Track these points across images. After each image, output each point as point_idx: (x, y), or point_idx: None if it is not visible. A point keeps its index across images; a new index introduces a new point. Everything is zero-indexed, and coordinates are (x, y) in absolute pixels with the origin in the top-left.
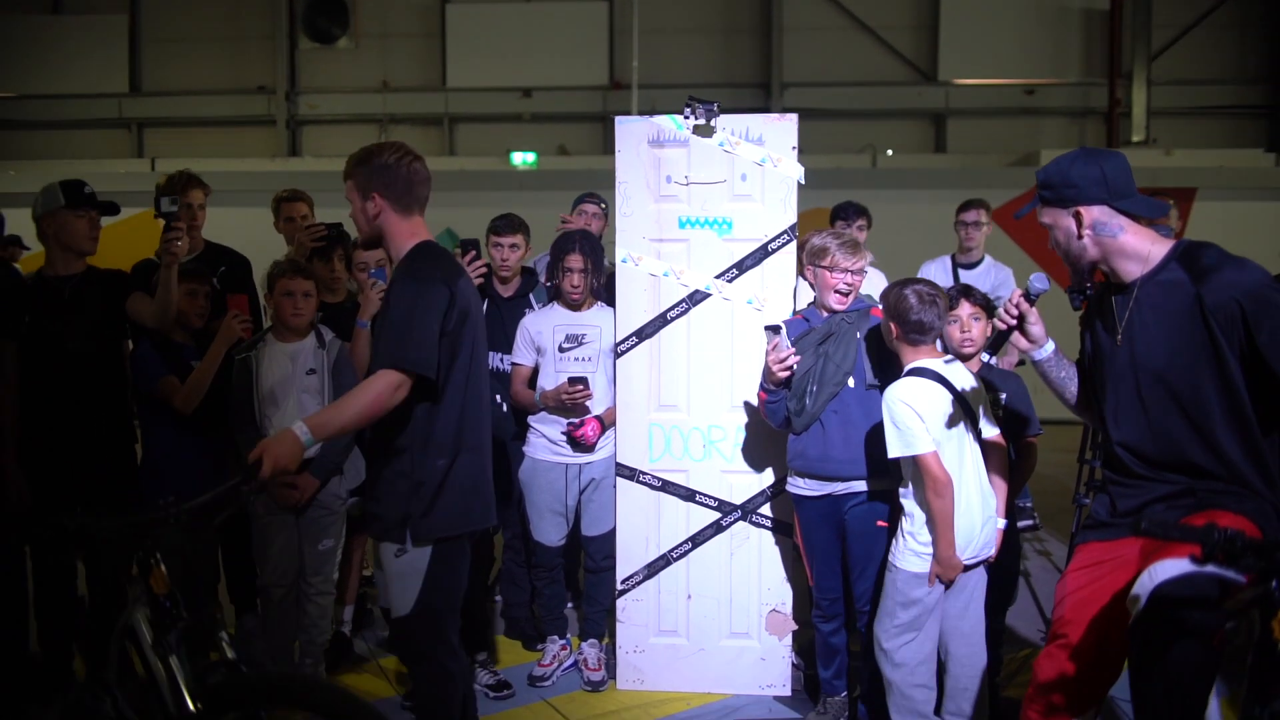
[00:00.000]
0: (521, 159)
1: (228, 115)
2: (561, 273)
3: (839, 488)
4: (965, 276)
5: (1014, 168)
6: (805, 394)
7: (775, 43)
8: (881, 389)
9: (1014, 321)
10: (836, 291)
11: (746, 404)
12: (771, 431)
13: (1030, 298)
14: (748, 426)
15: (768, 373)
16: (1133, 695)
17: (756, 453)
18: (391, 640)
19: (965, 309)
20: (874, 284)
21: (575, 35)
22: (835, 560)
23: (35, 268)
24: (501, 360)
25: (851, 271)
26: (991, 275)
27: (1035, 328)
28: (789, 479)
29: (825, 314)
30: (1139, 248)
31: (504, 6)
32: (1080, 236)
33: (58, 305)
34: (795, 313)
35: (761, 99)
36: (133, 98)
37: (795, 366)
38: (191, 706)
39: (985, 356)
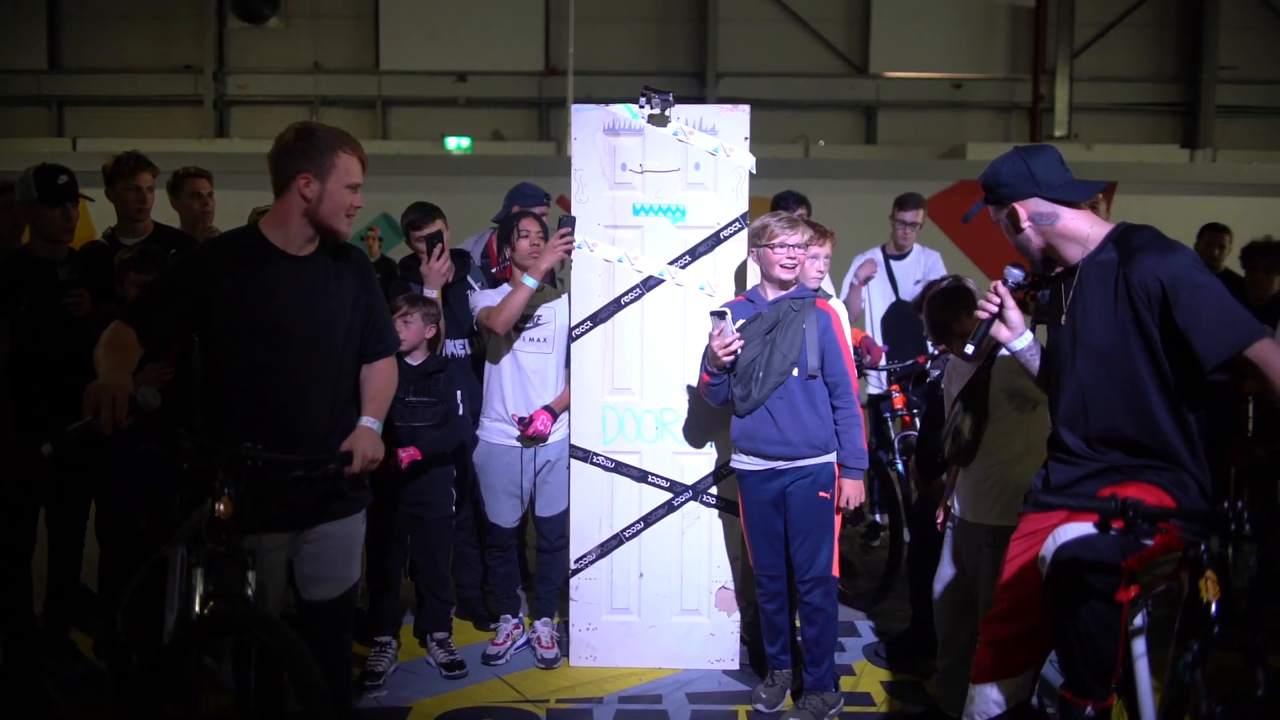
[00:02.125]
0: (456, 144)
1: (153, 94)
2: (517, 236)
3: (782, 465)
4: (896, 266)
5: (942, 160)
6: (752, 380)
7: (711, 32)
8: (822, 378)
9: (995, 309)
10: (782, 266)
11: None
12: (721, 414)
13: (1008, 285)
14: (699, 409)
15: (712, 357)
16: (1056, 651)
17: (707, 434)
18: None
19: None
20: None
21: (511, 20)
22: (777, 539)
23: None
24: (453, 346)
25: (792, 245)
26: (921, 262)
27: (1013, 313)
28: (733, 456)
29: (770, 297)
30: (1078, 231)
31: None
32: (1020, 229)
33: (55, 284)
34: (738, 294)
35: (696, 87)
36: (52, 74)
37: (739, 351)
38: (196, 611)
39: (968, 349)
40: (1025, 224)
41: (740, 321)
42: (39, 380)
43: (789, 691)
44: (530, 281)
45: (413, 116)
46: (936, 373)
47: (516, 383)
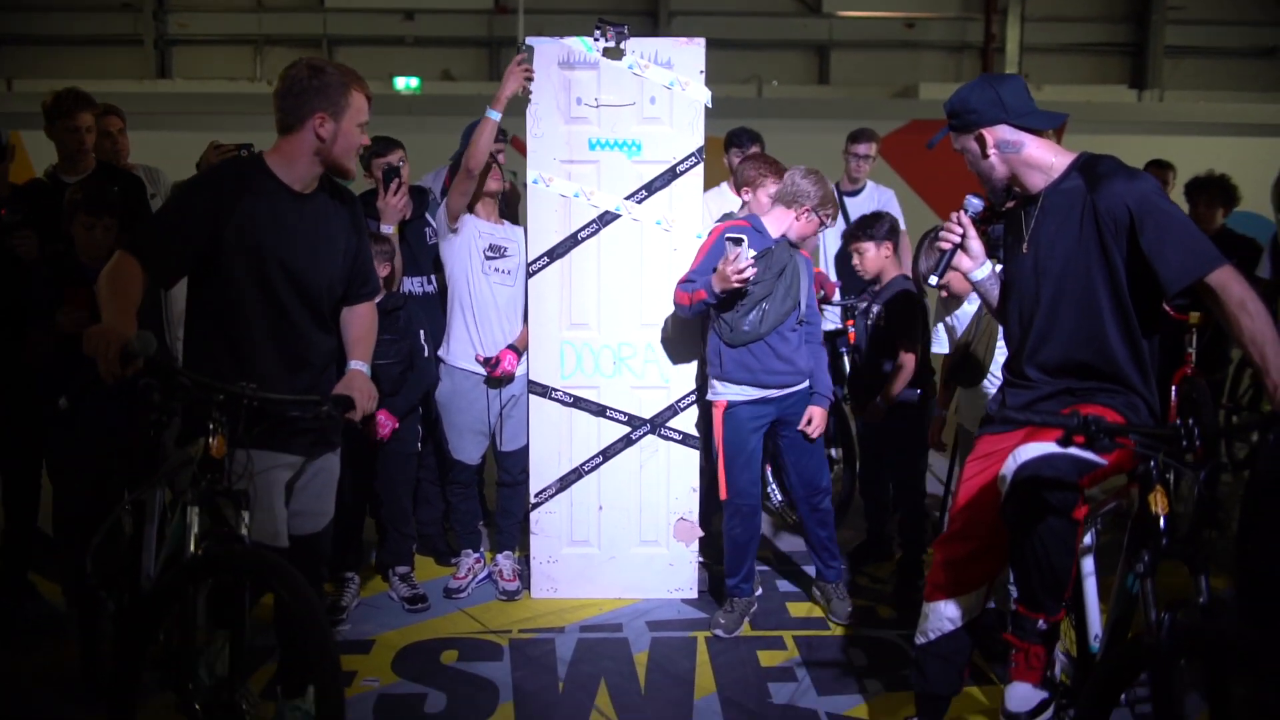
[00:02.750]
0: (405, 84)
1: (91, 33)
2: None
3: (774, 393)
4: (850, 203)
5: (895, 99)
6: (758, 314)
7: None
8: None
9: (958, 239)
10: (803, 237)
11: (656, 323)
12: (679, 349)
13: (969, 215)
14: (657, 344)
15: (722, 279)
16: (1012, 566)
17: (665, 369)
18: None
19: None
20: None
21: None
22: (758, 465)
23: None
24: (413, 284)
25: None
26: (875, 198)
27: (974, 243)
28: (716, 384)
29: (775, 234)
30: (1042, 159)
31: None
32: (986, 156)
33: None
34: (742, 219)
35: (649, 28)
36: None
37: (750, 280)
38: (190, 550)
39: (932, 280)
40: (991, 151)
41: (751, 252)
42: None
43: (747, 618)
44: (493, 114)
45: (360, 56)
46: (877, 308)
47: (483, 317)
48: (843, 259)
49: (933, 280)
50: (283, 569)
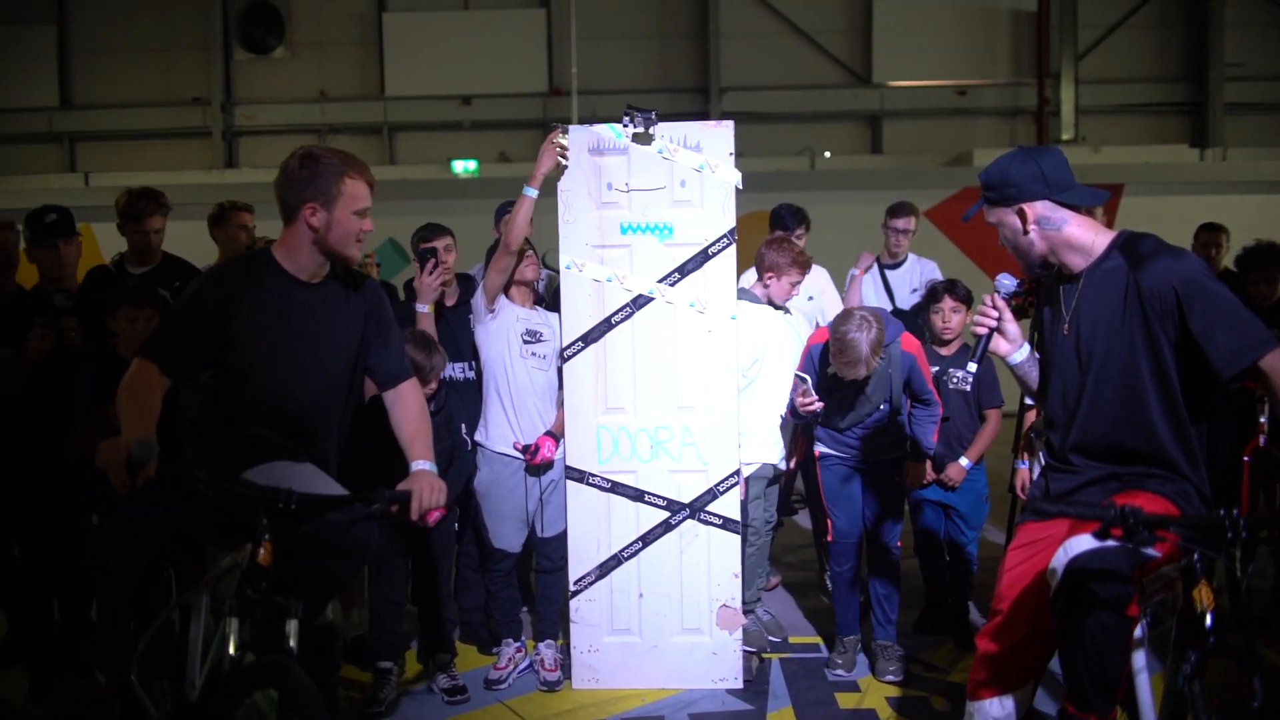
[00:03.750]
0: (463, 167)
1: (162, 127)
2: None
3: (861, 461)
4: (891, 276)
5: (948, 167)
6: (839, 415)
7: (712, 48)
8: (896, 412)
9: (994, 323)
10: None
11: (692, 406)
12: (716, 432)
13: (1003, 296)
14: (694, 427)
15: (795, 409)
16: (1061, 664)
17: (703, 452)
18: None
19: (948, 302)
20: (814, 280)
21: (514, 42)
22: (856, 509)
23: None
24: (455, 369)
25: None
26: (917, 270)
27: (1011, 326)
28: (816, 442)
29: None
30: (1083, 239)
31: (442, 14)
32: (1026, 232)
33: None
34: (812, 300)
35: (700, 103)
36: (64, 111)
37: (818, 409)
38: (231, 655)
39: (972, 367)
40: (1031, 227)
41: (831, 369)
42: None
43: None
44: (530, 191)
45: (419, 141)
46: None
47: (520, 402)
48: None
49: (971, 366)
50: (310, 695)
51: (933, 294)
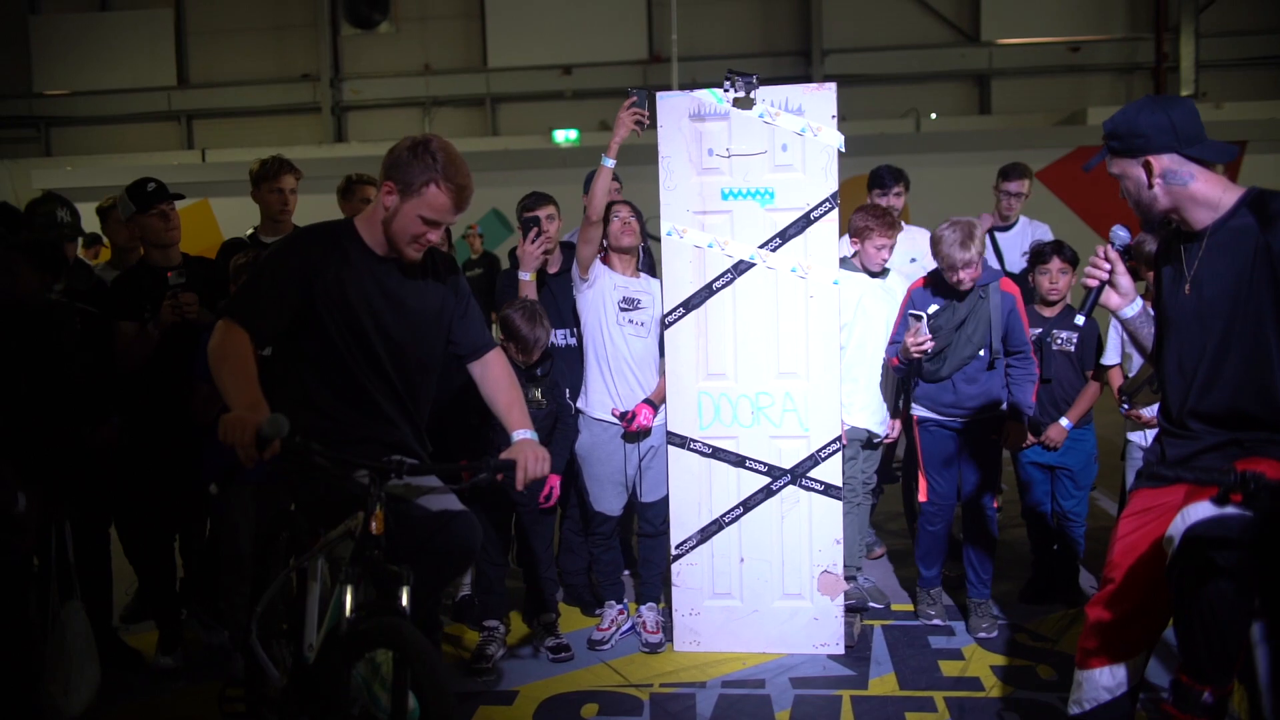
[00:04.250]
0: (564, 136)
1: (274, 104)
2: (610, 218)
3: (956, 422)
4: (1002, 239)
5: (1060, 126)
6: (942, 360)
7: (814, 10)
8: (1003, 358)
9: (1106, 276)
10: (958, 279)
11: (793, 372)
12: (818, 398)
13: (1116, 249)
14: (795, 393)
15: (905, 351)
16: (1176, 634)
17: (804, 418)
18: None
19: (1055, 263)
20: (917, 243)
21: (613, 10)
22: (953, 471)
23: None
24: (558, 336)
25: (961, 262)
26: (1028, 233)
27: (1124, 279)
28: (914, 406)
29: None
30: (1210, 195)
31: None
32: (1151, 186)
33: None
34: (914, 261)
35: (803, 67)
36: (181, 90)
37: (929, 349)
38: (348, 618)
39: (1079, 319)
40: (1156, 180)
41: (933, 308)
42: (157, 382)
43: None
44: (608, 161)
45: (521, 111)
46: (1066, 333)
47: (618, 369)
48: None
49: (1079, 319)
50: (429, 655)
51: (1039, 255)
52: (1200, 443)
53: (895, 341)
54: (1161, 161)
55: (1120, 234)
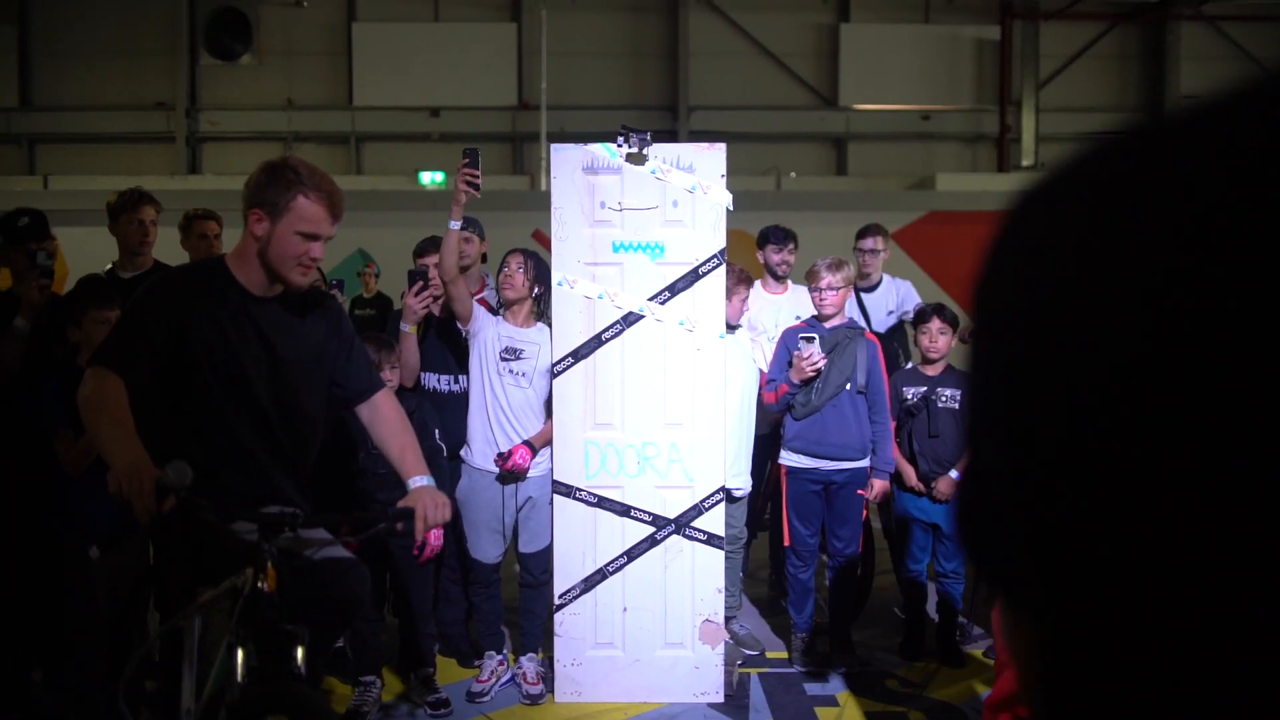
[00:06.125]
0: (430, 178)
1: (125, 131)
2: (500, 268)
3: (827, 464)
4: (866, 299)
5: (912, 190)
6: (812, 390)
7: (682, 67)
8: (865, 395)
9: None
10: (823, 304)
11: (680, 422)
12: (699, 448)
13: None
14: (681, 443)
15: (798, 372)
16: None
17: (689, 468)
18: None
19: (935, 323)
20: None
21: (484, 55)
22: (816, 519)
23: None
24: (443, 382)
25: (825, 288)
26: (893, 292)
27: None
28: (782, 454)
29: (827, 325)
30: None
31: (412, 26)
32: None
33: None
34: (800, 319)
35: (669, 121)
36: (24, 112)
37: (823, 366)
38: (239, 684)
39: None
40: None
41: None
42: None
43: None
44: (453, 224)
45: (387, 152)
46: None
47: (496, 417)
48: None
49: None
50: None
51: (921, 315)
52: None
53: (773, 380)
54: None
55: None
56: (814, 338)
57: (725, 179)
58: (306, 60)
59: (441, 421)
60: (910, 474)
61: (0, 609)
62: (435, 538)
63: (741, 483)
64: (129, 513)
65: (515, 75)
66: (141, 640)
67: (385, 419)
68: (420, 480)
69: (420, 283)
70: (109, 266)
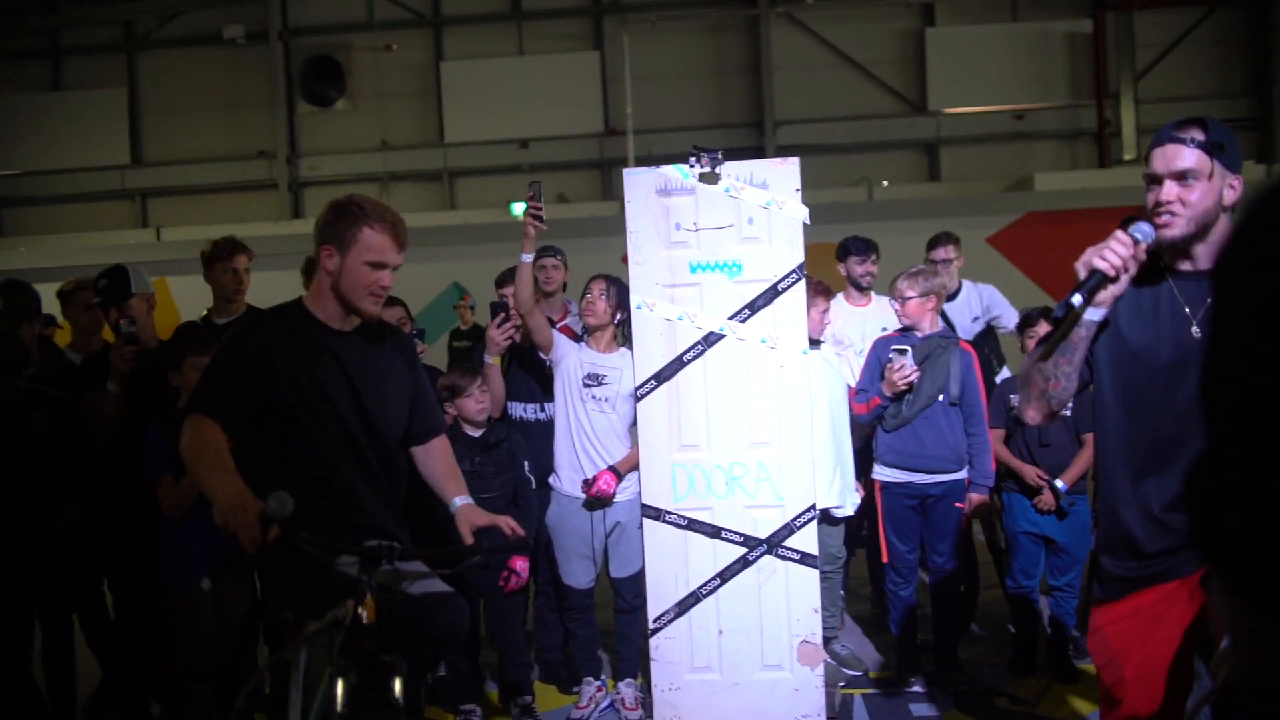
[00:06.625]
0: (522, 209)
1: (230, 181)
2: (585, 293)
3: (922, 478)
4: (949, 308)
5: (1008, 193)
6: (903, 402)
7: (766, 82)
8: (960, 406)
9: (1120, 263)
10: (900, 315)
11: (766, 441)
12: (792, 467)
13: (1145, 243)
14: (769, 462)
15: (890, 385)
16: None
17: (778, 487)
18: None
19: (1042, 326)
20: (887, 314)
21: (569, 84)
22: (914, 534)
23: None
24: (529, 411)
25: (906, 298)
26: (975, 297)
27: (1126, 278)
28: (875, 468)
29: (919, 335)
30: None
31: (497, 61)
32: (1224, 207)
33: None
34: (895, 330)
35: (755, 137)
36: (135, 169)
37: (914, 381)
38: (339, 714)
39: (1076, 299)
40: (1227, 204)
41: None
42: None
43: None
44: (525, 257)
45: (479, 185)
46: None
47: (582, 443)
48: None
49: (1076, 299)
50: None
51: (1027, 319)
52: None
53: (863, 390)
54: (1238, 189)
55: (1146, 228)
56: (906, 349)
57: (800, 193)
58: (398, 101)
59: (529, 450)
60: (1029, 472)
61: (117, 648)
62: (522, 568)
63: (842, 500)
64: (235, 544)
65: (601, 102)
66: (251, 673)
67: (441, 457)
68: (461, 500)
69: (501, 314)
70: (204, 313)
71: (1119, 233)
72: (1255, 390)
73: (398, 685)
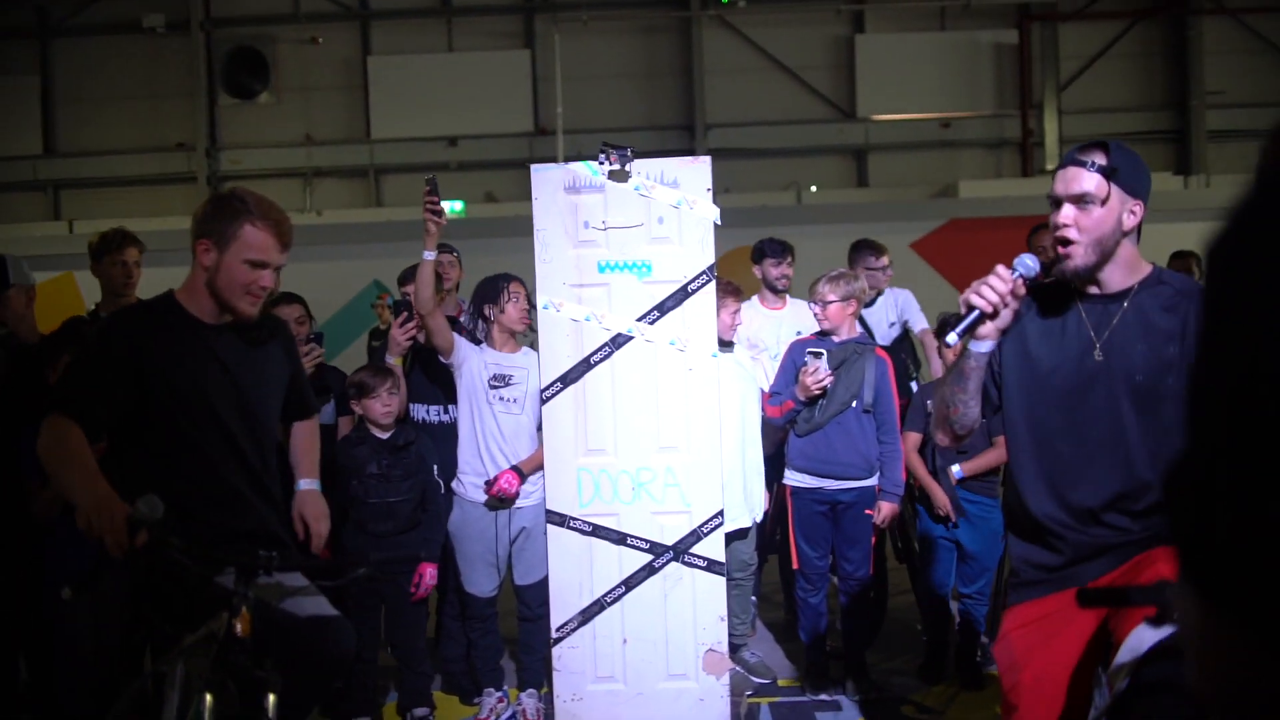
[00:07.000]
0: (449, 207)
1: (147, 173)
2: (509, 297)
3: (832, 484)
4: (867, 314)
5: (934, 199)
6: (817, 406)
7: (697, 85)
8: (873, 414)
9: (998, 301)
10: (817, 318)
11: (674, 446)
12: (698, 472)
13: (1025, 279)
14: (677, 467)
15: (804, 389)
16: None
17: (686, 493)
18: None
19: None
20: (802, 316)
21: (499, 83)
22: (824, 541)
23: None
24: (433, 413)
25: (826, 301)
26: (893, 302)
27: (1008, 314)
28: (786, 473)
29: (837, 340)
30: (1137, 258)
31: (426, 57)
32: (1125, 233)
33: None
34: (812, 334)
35: (686, 140)
36: (48, 159)
37: (829, 384)
38: None
39: (952, 338)
40: (1129, 230)
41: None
42: None
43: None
44: (427, 254)
45: (406, 182)
46: None
47: (488, 446)
48: None
49: (951, 338)
50: None
51: (944, 325)
52: (1125, 536)
53: (777, 393)
54: (1139, 215)
55: (1029, 263)
56: (821, 353)
57: (711, 193)
58: (324, 96)
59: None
60: (943, 501)
61: None
62: (430, 575)
63: (750, 511)
64: (102, 549)
65: (531, 101)
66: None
67: (302, 435)
68: (306, 483)
69: (405, 313)
70: (92, 308)
71: (1000, 268)
72: (1250, 403)
73: (271, 701)
